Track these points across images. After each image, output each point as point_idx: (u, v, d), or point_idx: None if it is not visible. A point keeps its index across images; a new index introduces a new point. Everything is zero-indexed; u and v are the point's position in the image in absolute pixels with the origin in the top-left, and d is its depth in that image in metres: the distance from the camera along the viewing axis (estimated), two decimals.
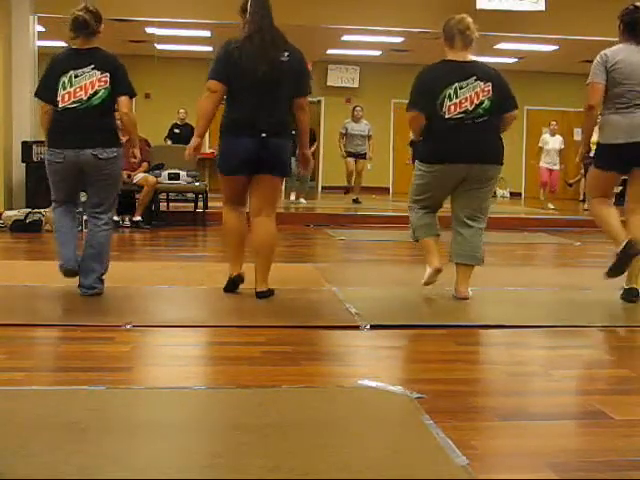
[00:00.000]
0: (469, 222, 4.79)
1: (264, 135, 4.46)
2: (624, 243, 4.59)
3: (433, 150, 4.75)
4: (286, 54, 4.51)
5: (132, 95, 4.69)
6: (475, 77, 4.67)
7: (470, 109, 4.65)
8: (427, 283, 4.87)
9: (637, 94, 4.65)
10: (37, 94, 4.78)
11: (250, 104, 4.48)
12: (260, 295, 4.62)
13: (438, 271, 4.79)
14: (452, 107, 4.64)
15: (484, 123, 4.67)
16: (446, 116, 4.65)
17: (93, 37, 4.65)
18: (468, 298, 4.79)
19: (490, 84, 4.68)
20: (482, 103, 4.66)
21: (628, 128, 4.64)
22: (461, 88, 4.64)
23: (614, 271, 4.67)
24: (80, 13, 4.59)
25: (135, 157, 5.04)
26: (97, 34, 4.66)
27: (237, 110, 4.52)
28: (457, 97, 4.64)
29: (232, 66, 4.46)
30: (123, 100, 4.63)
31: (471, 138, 4.66)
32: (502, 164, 4.84)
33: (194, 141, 4.63)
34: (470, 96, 4.65)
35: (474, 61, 4.75)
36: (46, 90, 4.68)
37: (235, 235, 4.70)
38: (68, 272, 4.67)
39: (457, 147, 4.66)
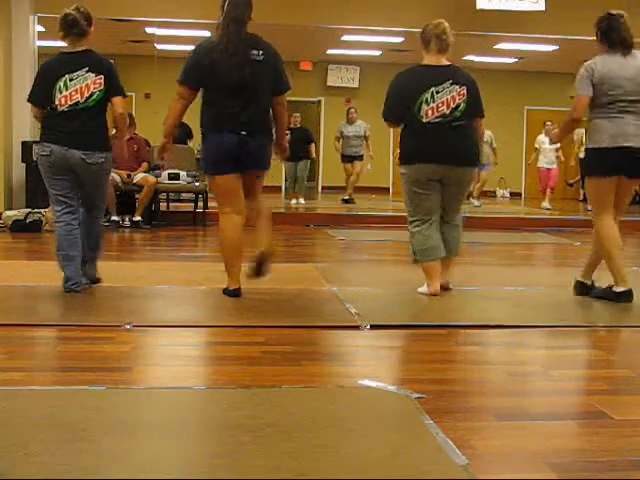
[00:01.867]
0: (448, 221, 4.93)
1: (243, 133, 4.49)
2: (620, 290, 4.72)
3: (411, 152, 4.84)
4: (260, 52, 4.51)
5: (124, 96, 4.82)
6: (451, 81, 4.77)
7: (447, 112, 4.75)
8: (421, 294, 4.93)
9: (625, 103, 4.65)
10: (30, 99, 4.81)
11: (226, 105, 4.50)
12: (264, 255, 4.61)
13: (435, 295, 4.83)
14: (429, 111, 4.73)
15: (461, 127, 4.78)
16: (423, 120, 4.74)
17: (82, 38, 4.68)
18: (449, 288, 4.91)
19: (465, 87, 4.78)
20: (458, 106, 4.76)
21: (614, 132, 4.65)
22: (437, 92, 4.74)
23: (600, 298, 4.85)
24: (70, 12, 4.64)
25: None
26: (86, 35, 4.69)
27: (214, 111, 4.56)
28: (434, 101, 4.73)
29: (204, 70, 4.49)
30: (118, 101, 4.73)
31: (449, 141, 4.75)
32: (476, 165, 5.03)
33: (162, 142, 4.75)
34: (447, 100, 4.73)
35: (449, 65, 4.85)
36: (39, 95, 4.73)
37: (232, 249, 4.64)
38: (69, 292, 4.72)
39: (435, 149, 4.75)
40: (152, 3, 10.47)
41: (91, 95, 4.63)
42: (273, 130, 4.75)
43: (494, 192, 16.56)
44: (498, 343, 3.92)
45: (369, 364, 3.45)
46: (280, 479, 2.10)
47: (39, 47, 10.02)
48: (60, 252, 4.73)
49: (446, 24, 4.80)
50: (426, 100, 4.72)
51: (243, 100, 4.49)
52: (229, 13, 4.49)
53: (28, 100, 4.83)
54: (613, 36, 4.69)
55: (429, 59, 4.82)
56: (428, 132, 4.74)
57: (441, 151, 4.73)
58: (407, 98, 4.76)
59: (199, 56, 4.52)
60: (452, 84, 4.74)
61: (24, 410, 2.63)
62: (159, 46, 13.99)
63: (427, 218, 4.85)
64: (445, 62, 4.82)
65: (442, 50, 4.79)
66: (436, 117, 4.73)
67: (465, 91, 4.76)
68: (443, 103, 4.72)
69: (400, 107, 4.80)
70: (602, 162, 4.74)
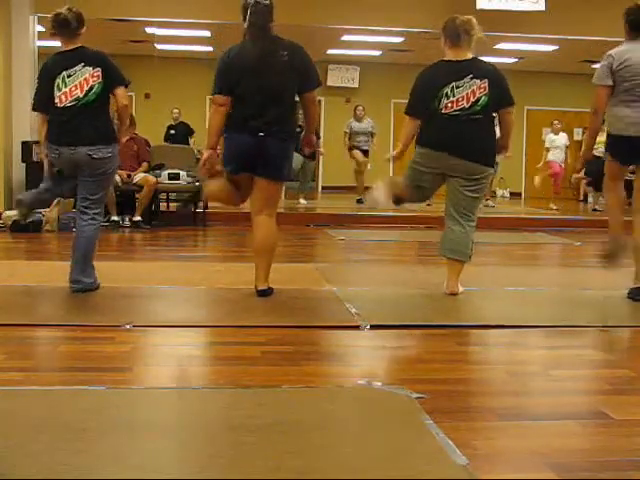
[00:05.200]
0: (459, 219, 4.88)
1: (262, 134, 4.49)
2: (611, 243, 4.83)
3: (425, 136, 4.86)
4: (285, 53, 4.54)
5: (127, 84, 4.75)
6: (471, 75, 4.77)
7: (467, 106, 4.75)
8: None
9: None
10: (34, 108, 4.81)
11: (250, 108, 4.53)
12: (261, 293, 4.64)
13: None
14: (449, 104, 4.76)
15: (478, 121, 4.77)
16: (443, 112, 4.77)
17: (74, 38, 4.68)
18: (457, 294, 4.87)
19: (486, 80, 4.77)
20: (479, 100, 4.76)
21: (633, 120, 4.67)
22: (458, 87, 4.76)
23: (607, 260, 4.94)
24: (62, 11, 4.66)
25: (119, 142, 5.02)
26: (78, 36, 4.69)
27: (238, 113, 4.58)
28: (454, 95, 4.75)
29: (232, 76, 4.53)
30: (120, 92, 4.69)
31: (462, 134, 4.76)
32: (490, 166, 4.94)
33: (206, 153, 4.69)
34: (467, 94, 4.75)
35: (471, 59, 4.83)
36: (42, 102, 4.74)
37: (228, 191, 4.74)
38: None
39: (445, 138, 4.77)
40: (152, 3, 10.47)
41: (91, 89, 4.61)
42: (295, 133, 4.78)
43: (494, 192, 16.55)
44: (498, 343, 3.92)
45: (369, 364, 3.45)
46: (280, 479, 2.10)
47: (39, 47, 10.02)
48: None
49: (474, 20, 4.82)
50: (446, 94, 4.74)
51: (266, 103, 4.52)
52: (253, 22, 4.51)
53: (32, 109, 4.83)
54: (639, 27, 4.70)
55: (453, 54, 4.82)
56: (445, 121, 4.76)
57: (450, 140, 4.74)
58: (429, 94, 4.78)
59: (226, 63, 4.57)
60: (472, 78, 4.74)
61: (24, 410, 2.63)
62: (159, 46, 13.99)
63: (411, 185, 4.96)
64: (468, 56, 4.82)
65: (470, 45, 4.81)
66: (455, 110, 4.74)
67: (486, 84, 4.75)
68: (463, 98, 4.73)
69: (422, 103, 4.81)
70: (619, 149, 4.78)
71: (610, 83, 4.69)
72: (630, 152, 4.75)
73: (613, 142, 4.85)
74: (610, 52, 4.75)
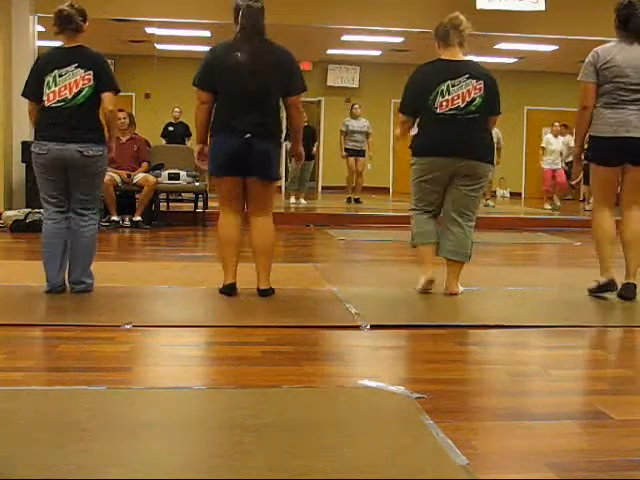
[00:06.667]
0: (458, 219, 4.87)
1: (248, 136, 4.50)
2: (604, 281, 4.78)
3: (424, 144, 4.84)
4: (273, 58, 4.54)
5: (117, 91, 4.73)
6: (468, 75, 4.77)
7: (462, 106, 4.75)
8: (422, 291, 4.92)
9: (629, 92, 4.66)
10: (24, 93, 4.82)
11: (235, 108, 4.54)
12: (262, 293, 4.65)
13: (431, 281, 4.88)
14: (444, 103, 4.75)
15: (475, 120, 4.77)
16: (437, 111, 4.75)
17: (78, 34, 4.67)
18: (458, 294, 4.86)
19: (482, 82, 4.78)
20: (474, 100, 4.76)
21: (617, 122, 4.68)
22: (453, 86, 4.75)
23: (593, 293, 4.89)
24: (65, 7, 4.65)
25: (110, 151, 4.92)
26: (81, 31, 4.69)
27: (224, 113, 4.58)
28: (449, 94, 4.74)
29: (218, 74, 4.53)
30: (108, 96, 4.66)
31: (461, 134, 4.75)
32: (491, 163, 4.96)
33: (197, 148, 4.76)
34: (462, 93, 4.74)
35: (467, 60, 4.84)
36: (32, 89, 4.74)
37: (228, 244, 4.70)
38: (52, 292, 4.67)
39: (446, 142, 4.76)
40: (152, 3, 10.47)
41: (80, 91, 4.59)
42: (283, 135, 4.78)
43: (494, 192, 16.56)
44: (498, 343, 3.92)
45: (369, 364, 3.45)
46: (280, 479, 2.10)
47: (39, 47, 10.02)
48: (44, 260, 4.69)
49: (462, 16, 4.81)
50: (441, 92, 4.73)
51: (251, 105, 4.51)
52: (244, 25, 4.51)
53: (22, 94, 4.84)
54: (630, 24, 4.70)
55: (447, 54, 4.81)
56: (441, 124, 4.75)
57: (452, 143, 4.73)
58: (424, 91, 4.77)
59: (212, 60, 4.57)
60: (469, 78, 4.74)
61: (24, 410, 2.63)
62: (159, 46, 13.99)
63: (428, 209, 4.93)
64: (463, 57, 4.83)
65: (461, 43, 4.80)
66: (450, 109, 4.73)
67: (482, 86, 4.75)
68: (458, 96, 4.73)
69: (416, 100, 4.81)
70: (603, 151, 4.77)
71: (594, 80, 4.70)
72: (611, 154, 4.74)
73: (594, 144, 4.84)
74: (597, 49, 4.76)
